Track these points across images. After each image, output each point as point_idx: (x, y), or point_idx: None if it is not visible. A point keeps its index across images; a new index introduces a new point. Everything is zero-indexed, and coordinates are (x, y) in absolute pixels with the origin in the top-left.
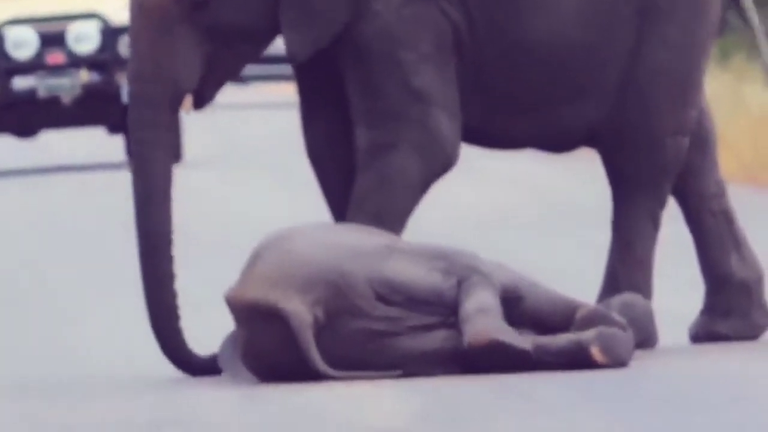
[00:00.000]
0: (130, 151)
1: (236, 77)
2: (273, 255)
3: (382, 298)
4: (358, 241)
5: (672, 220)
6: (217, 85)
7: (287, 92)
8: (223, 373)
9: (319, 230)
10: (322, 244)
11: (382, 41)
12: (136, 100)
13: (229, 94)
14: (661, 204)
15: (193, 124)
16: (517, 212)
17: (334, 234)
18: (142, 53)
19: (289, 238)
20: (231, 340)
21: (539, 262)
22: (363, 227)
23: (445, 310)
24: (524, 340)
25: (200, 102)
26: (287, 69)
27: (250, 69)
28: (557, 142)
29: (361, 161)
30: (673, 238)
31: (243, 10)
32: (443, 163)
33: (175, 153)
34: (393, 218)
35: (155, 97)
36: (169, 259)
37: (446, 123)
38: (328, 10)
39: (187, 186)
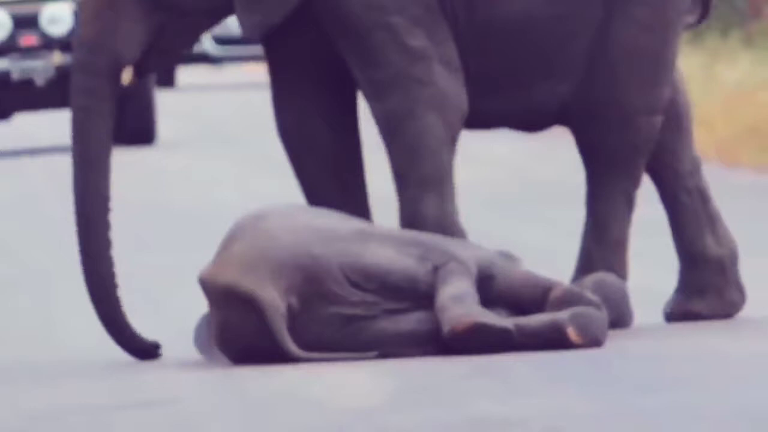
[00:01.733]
0: (71, 119)
1: (181, 52)
2: (247, 237)
3: (356, 284)
4: (333, 226)
5: (646, 199)
6: (162, 58)
7: (259, 73)
8: (198, 355)
9: (293, 213)
10: (297, 229)
11: (372, 11)
12: (78, 68)
13: (201, 75)
14: (635, 183)
15: (166, 104)
16: (492, 191)
17: (308, 218)
18: (86, 21)
19: (264, 220)
20: (205, 323)
21: (513, 239)
22: (337, 212)
23: (420, 296)
24: (503, 320)
25: (141, 74)
26: (259, 50)
27: (222, 49)
28: (530, 122)
29: (385, 135)
30: (647, 216)
31: None
32: (459, 114)
33: (147, 133)
34: (439, 181)
35: (95, 66)
36: (105, 226)
37: (450, 75)
38: None
39: (159, 167)
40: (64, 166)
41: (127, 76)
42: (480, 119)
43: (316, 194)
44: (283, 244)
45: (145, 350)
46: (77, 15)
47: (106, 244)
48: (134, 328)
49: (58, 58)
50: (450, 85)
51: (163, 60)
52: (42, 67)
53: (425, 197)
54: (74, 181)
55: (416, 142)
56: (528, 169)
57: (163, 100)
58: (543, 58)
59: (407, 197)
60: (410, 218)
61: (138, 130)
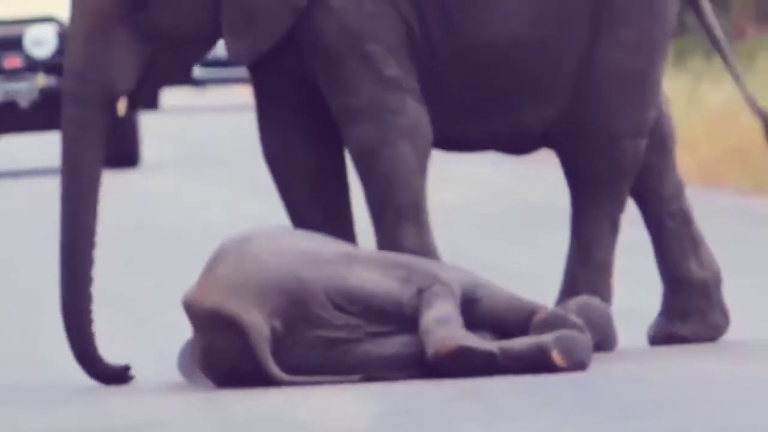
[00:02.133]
0: (61, 149)
1: (173, 79)
2: (232, 260)
3: (340, 308)
4: (317, 249)
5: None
6: (154, 87)
7: (244, 95)
8: (182, 379)
9: (277, 236)
10: (281, 252)
11: (348, 37)
12: (68, 98)
13: (185, 97)
14: (620, 206)
15: (150, 127)
16: (475, 213)
17: (292, 241)
18: (76, 51)
19: (248, 243)
20: (188, 348)
21: (496, 262)
22: (321, 235)
23: (404, 319)
24: (488, 344)
25: (134, 104)
26: (243, 72)
27: (206, 72)
28: (515, 144)
29: (358, 164)
30: (630, 239)
31: (183, 13)
32: (428, 143)
33: (131, 156)
34: (414, 209)
35: (87, 96)
36: (88, 261)
37: (419, 105)
38: (269, 15)
39: (144, 189)
40: (47, 188)
41: (122, 106)
42: (465, 142)
43: (301, 217)
44: (268, 267)
45: (116, 376)
46: (63, 40)
47: (87, 279)
48: (105, 361)
49: (42, 80)
50: (419, 115)
51: (154, 89)
52: (26, 89)
53: (404, 227)
54: (62, 213)
55: (390, 170)
56: (512, 191)
57: (147, 123)
58: (529, 81)
59: (385, 227)
60: (390, 248)
61: (122, 152)
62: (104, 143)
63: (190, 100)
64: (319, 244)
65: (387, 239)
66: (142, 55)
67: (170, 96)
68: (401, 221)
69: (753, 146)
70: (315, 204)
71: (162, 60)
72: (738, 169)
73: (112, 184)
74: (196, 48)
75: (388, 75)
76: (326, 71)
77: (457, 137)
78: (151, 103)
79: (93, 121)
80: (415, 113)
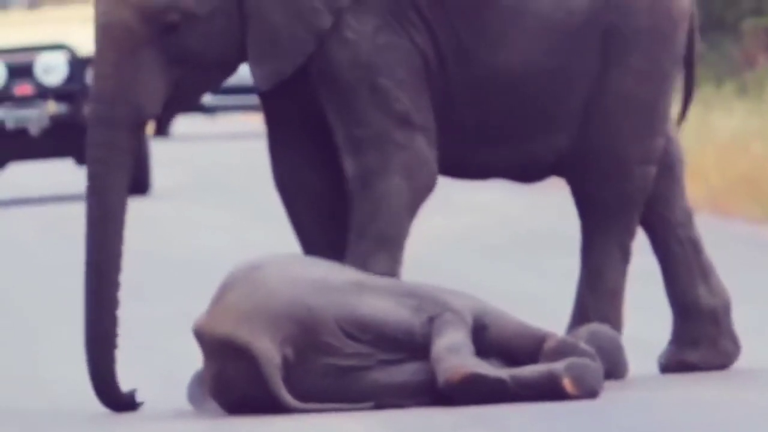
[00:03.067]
0: (87, 172)
1: (196, 104)
2: (242, 288)
3: (351, 336)
4: (328, 277)
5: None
6: (178, 110)
7: (254, 122)
8: (191, 407)
9: (288, 264)
10: (292, 280)
11: (359, 69)
12: (96, 122)
13: (196, 124)
14: (631, 234)
15: (160, 154)
16: (485, 240)
17: (303, 268)
18: (104, 74)
19: (259, 271)
20: (197, 379)
21: (507, 290)
22: (332, 262)
23: (415, 347)
24: (498, 371)
25: (162, 127)
26: (254, 99)
27: (216, 99)
28: (525, 172)
29: (353, 190)
30: (639, 267)
31: (211, 37)
32: (428, 185)
33: (141, 183)
34: (393, 242)
35: (116, 119)
36: (115, 285)
37: (427, 146)
38: (293, 39)
39: (153, 216)
40: (54, 216)
41: (150, 129)
42: (476, 169)
43: (310, 243)
44: (278, 296)
45: (127, 405)
46: (74, 67)
47: (114, 303)
48: (120, 388)
49: (52, 107)
50: (425, 155)
51: (176, 113)
52: (36, 117)
53: (378, 254)
54: (88, 236)
55: (381, 200)
56: (520, 218)
57: (158, 150)
58: (540, 110)
59: (360, 251)
60: None
61: (133, 180)
62: (131, 167)
63: (200, 128)
64: (329, 271)
65: (358, 263)
66: (169, 79)
67: (181, 123)
68: (377, 251)
69: (763, 175)
70: (324, 230)
71: (187, 84)
72: (748, 197)
73: None
74: (220, 72)
75: (397, 109)
76: (335, 101)
77: (468, 165)
78: (162, 131)
79: (122, 144)
80: (421, 152)
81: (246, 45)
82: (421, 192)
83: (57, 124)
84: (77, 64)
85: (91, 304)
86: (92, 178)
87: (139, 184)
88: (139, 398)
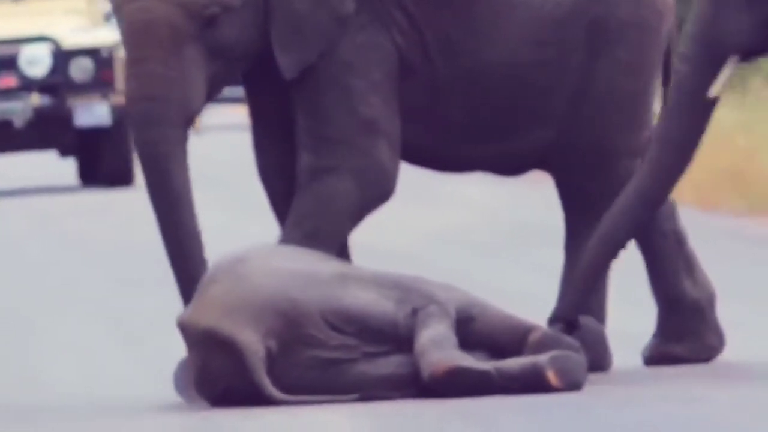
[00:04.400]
0: (145, 169)
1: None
2: (226, 280)
3: (335, 328)
4: (312, 269)
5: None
6: (207, 102)
7: (240, 115)
8: (179, 398)
9: (272, 255)
10: (276, 271)
11: (335, 67)
12: (148, 120)
13: None
14: None
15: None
16: (470, 233)
17: (287, 260)
18: (152, 73)
19: (243, 262)
20: (183, 367)
21: (492, 283)
22: (317, 252)
23: (399, 339)
24: (483, 364)
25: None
26: (240, 91)
27: None
28: (510, 166)
29: (301, 182)
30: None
31: (245, 29)
32: (381, 194)
33: (125, 174)
34: (327, 240)
35: (168, 117)
36: (203, 262)
37: (389, 154)
38: (316, 25)
39: (139, 208)
40: (41, 209)
41: (198, 125)
42: (460, 163)
43: None
44: (262, 288)
45: None
46: (58, 59)
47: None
48: None
49: (36, 99)
50: (384, 163)
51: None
52: (20, 109)
53: (309, 248)
54: (163, 229)
55: (327, 198)
56: (505, 212)
57: None
58: (527, 103)
59: (288, 240)
60: None
61: (116, 171)
62: (187, 158)
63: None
64: (313, 263)
65: None
66: (208, 74)
67: None
68: (306, 246)
69: (748, 168)
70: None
71: (219, 77)
72: (733, 190)
73: (107, 203)
74: (247, 63)
75: (365, 113)
76: (304, 94)
77: (452, 158)
78: None
79: (176, 140)
80: (380, 160)
81: (271, 34)
82: (372, 200)
83: (41, 116)
84: (61, 57)
85: (186, 287)
86: (155, 173)
87: (123, 176)
88: (129, 391)
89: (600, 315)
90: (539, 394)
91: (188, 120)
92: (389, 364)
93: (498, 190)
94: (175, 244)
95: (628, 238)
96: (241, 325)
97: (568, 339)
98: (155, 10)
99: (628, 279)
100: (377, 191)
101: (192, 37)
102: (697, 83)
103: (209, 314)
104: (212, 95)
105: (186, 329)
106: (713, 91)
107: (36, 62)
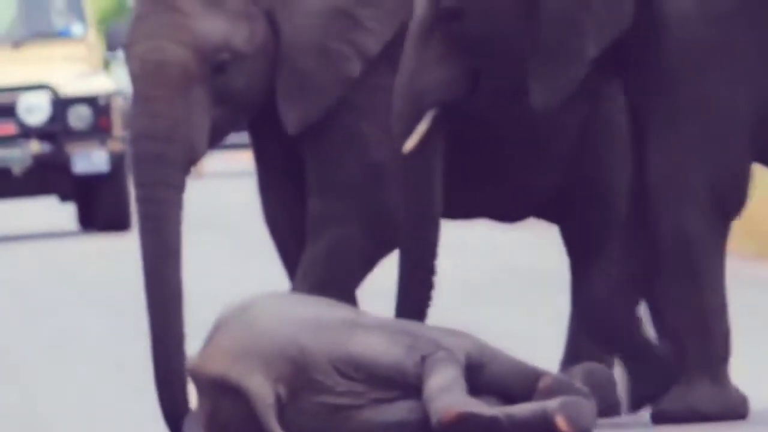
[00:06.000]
0: (140, 211)
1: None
2: (235, 328)
3: (344, 374)
4: (321, 316)
5: None
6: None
7: (245, 161)
8: None
9: (281, 302)
10: (284, 318)
11: (345, 111)
12: (149, 160)
13: None
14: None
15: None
16: (477, 278)
17: (296, 307)
18: (158, 112)
19: (251, 310)
20: (194, 414)
21: (499, 328)
22: (325, 299)
23: (408, 386)
24: (492, 409)
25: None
26: (245, 138)
27: None
28: (514, 212)
29: (311, 230)
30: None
31: (254, 78)
32: (389, 242)
33: (122, 219)
34: (338, 289)
35: (170, 157)
36: (180, 321)
37: (396, 202)
38: (321, 84)
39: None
40: (42, 254)
41: (200, 169)
42: (462, 210)
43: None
44: (272, 335)
45: None
46: (57, 107)
47: (182, 338)
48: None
49: (35, 146)
50: (392, 211)
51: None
52: (19, 156)
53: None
54: (149, 276)
55: (336, 248)
56: (507, 256)
57: None
58: (534, 149)
59: (300, 289)
60: None
61: (113, 216)
62: (183, 204)
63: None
64: (321, 309)
65: None
66: (212, 118)
67: None
68: (318, 293)
69: (756, 211)
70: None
71: (221, 123)
72: (741, 234)
73: (106, 247)
74: (252, 112)
75: (373, 160)
76: (314, 140)
77: (455, 207)
78: None
79: (176, 182)
80: (389, 208)
81: (277, 88)
82: (380, 249)
83: (40, 164)
84: (59, 104)
85: (159, 342)
86: (149, 218)
87: (120, 222)
88: None
89: (609, 359)
90: None
91: (190, 163)
92: (398, 411)
93: (503, 234)
94: (156, 297)
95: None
96: (250, 371)
97: (578, 385)
98: (168, 50)
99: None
100: (385, 240)
101: (201, 81)
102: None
103: (218, 361)
104: (216, 140)
105: (195, 376)
106: (408, 144)
107: (35, 110)
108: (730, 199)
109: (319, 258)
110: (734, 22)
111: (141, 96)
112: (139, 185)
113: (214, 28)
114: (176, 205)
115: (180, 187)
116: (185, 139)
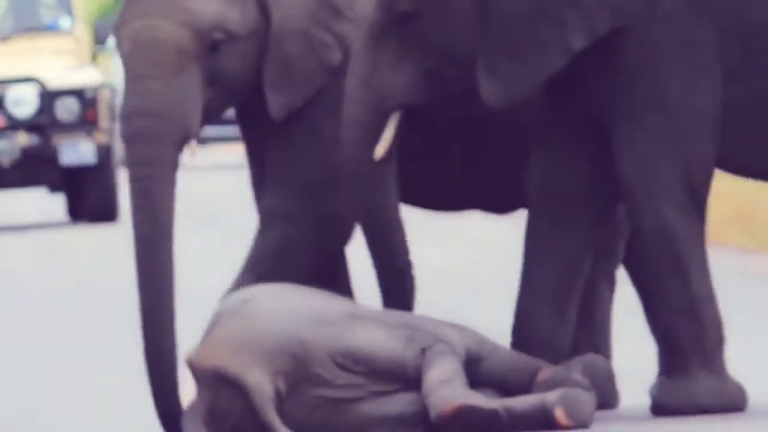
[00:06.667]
0: (133, 189)
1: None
2: (235, 320)
3: (343, 367)
4: (320, 309)
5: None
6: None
7: (238, 153)
8: None
9: (280, 295)
10: (284, 312)
11: (312, 110)
12: (143, 137)
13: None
14: (615, 262)
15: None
16: (476, 271)
17: (296, 300)
18: (153, 90)
19: (251, 302)
20: (193, 406)
21: (499, 321)
22: (323, 292)
23: (407, 378)
24: (491, 402)
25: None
26: (233, 131)
27: (207, 130)
28: (504, 203)
29: (263, 222)
30: (628, 297)
31: (246, 60)
32: (340, 241)
33: (109, 210)
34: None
35: (164, 135)
36: (171, 301)
37: (349, 204)
38: (305, 72)
39: (124, 245)
40: (37, 245)
41: (193, 148)
42: (453, 202)
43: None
44: (271, 328)
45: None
46: (45, 99)
47: (173, 317)
48: (182, 408)
49: (23, 139)
50: (346, 217)
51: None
52: (8, 149)
53: None
54: (140, 254)
55: (285, 245)
56: (509, 248)
57: None
58: (522, 144)
59: (244, 283)
60: None
61: (101, 208)
62: (176, 182)
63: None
64: (321, 302)
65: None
66: (205, 98)
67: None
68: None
69: (755, 205)
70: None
71: (212, 105)
72: (740, 227)
73: (96, 237)
74: (241, 95)
75: (333, 160)
76: (279, 136)
77: (447, 197)
78: None
79: (169, 160)
80: (340, 215)
81: (264, 72)
82: (328, 246)
83: (27, 156)
84: (47, 97)
85: (150, 321)
86: (141, 195)
87: (107, 212)
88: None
89: (606, 351)
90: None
91: (183, 142)
92: (397, 404)
93: (503, 227)
94: (147, 276)
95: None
96: (249, 364)
97: (577, 377)
98: (163, 28)
99: (633, 316)
100: (334, 240)
101: (195, 60)
102: (370, 146)
103: (218, 354)
104: (208, 121)
105: (194, 368)
106: (379, 150)
107: (22, 103)
108: (702, 188)
109: (269, 253)
110: (684, 20)
111: (133, 74)
112: (131, 163)
113: (210, 7)
114: (169, 183)
115: (173, 166)
116: (178, 117)
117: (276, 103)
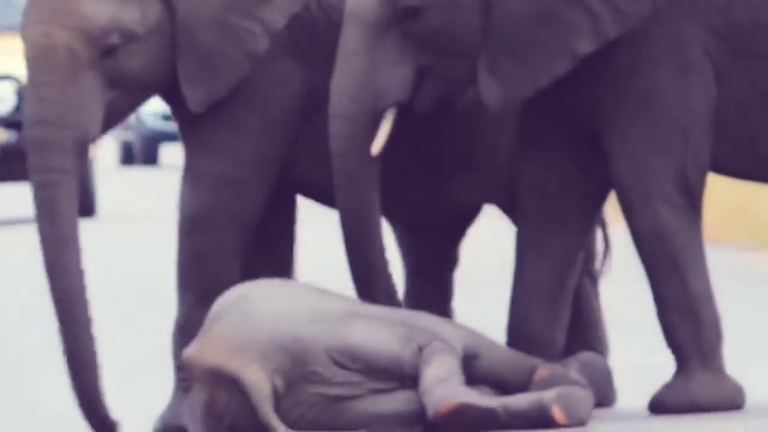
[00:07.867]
0: (34, 197)
1: (173, 136)
2: (232, 318)
3: (341, 365)
4: (318, 307)
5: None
6: (105, 131)
7: None
8: None
9: (277, 292)
10: (281, 310)
11: (231, 100)
12: (41, 145)
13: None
14: (593, 259)
15: (149, 182)
16: (476, 271)
17: (293, 297)
18: (48, 97)
19: (248, 300)
20: (190, 403)
21: (496, 320)
22: (322, 288)
23: (405, 376)
24: (489, 400)
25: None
26: None
27: None
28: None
29: (179, 229)
30: (630, 298)
31: (149, 59)
32: (254, 236)
33: (87, 206)
34: (215, 291)
35: (61, 142)
36: (84, 305)
37: (259, 200)
38: (228, 63)
39: (100, 239)
40: (6, 239)
41: (94, 151)
42: (402, 214)
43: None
44: (269, 326)
45: (108, 427)
46: (22, 96)
47: (88, 321)
48: (107, 408)
49: (1, 135)
50: (262, 207)
51: (104, 133)
52: None
53: (205, 308)
54: (48, 261)
55: (205, 251)
56: (503, 249)
57: (147, 178)
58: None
59: (186, 304)
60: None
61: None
62: (77, 188)
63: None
64: (319, 300)
65: (182, 317)
66: (104, 102)
67: (169, 152)
68: (203, 306)
69: (754, 203)
70: (262, 254)
71: (117, 106)
72: (739, 225)
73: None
74: (149, 95)
75: (251, 153)
76: (200, 121)
77: (399, 209)
78: (151, 159)
79: (69, 167)
80: (253, 211)
81: (178, 67)
82: (247, 242)
83: (6, 152)
84: (24, 94)
85: (66, 328)
86: (43, 202)
87: (85, 208)
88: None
89: (601, 347)
90: (545, 430)
91: (83, 147)
92: (394, 401)
93: (504, 226)
94: (57, 281)
95: None
96: (247, 362)
97: (574, 375)
98: (55, 35)
99: (632, 315)
100: (250, 235)
101: (90, 64)
102: (362, 142)
103: (215, 351)
104: (114, 123)
105: (192, 366)
106: (375, 147)
107: (0, 100)
108: (698, 187)
109: (192, 262)
110: (676, 19)
111: (31, 81)
112: (31, 171)
113: (101, 10)
114: (68, 190)
115: (72, 173)
116: (75, 123)
117: (193, 96)
